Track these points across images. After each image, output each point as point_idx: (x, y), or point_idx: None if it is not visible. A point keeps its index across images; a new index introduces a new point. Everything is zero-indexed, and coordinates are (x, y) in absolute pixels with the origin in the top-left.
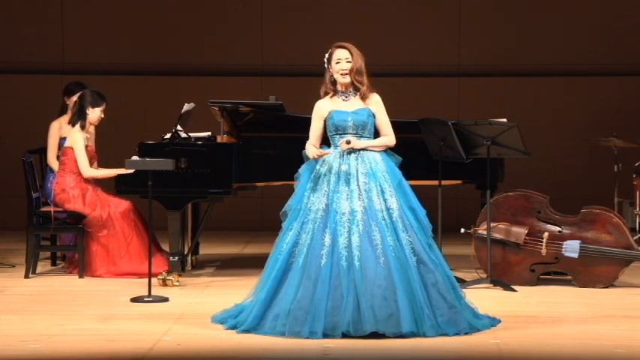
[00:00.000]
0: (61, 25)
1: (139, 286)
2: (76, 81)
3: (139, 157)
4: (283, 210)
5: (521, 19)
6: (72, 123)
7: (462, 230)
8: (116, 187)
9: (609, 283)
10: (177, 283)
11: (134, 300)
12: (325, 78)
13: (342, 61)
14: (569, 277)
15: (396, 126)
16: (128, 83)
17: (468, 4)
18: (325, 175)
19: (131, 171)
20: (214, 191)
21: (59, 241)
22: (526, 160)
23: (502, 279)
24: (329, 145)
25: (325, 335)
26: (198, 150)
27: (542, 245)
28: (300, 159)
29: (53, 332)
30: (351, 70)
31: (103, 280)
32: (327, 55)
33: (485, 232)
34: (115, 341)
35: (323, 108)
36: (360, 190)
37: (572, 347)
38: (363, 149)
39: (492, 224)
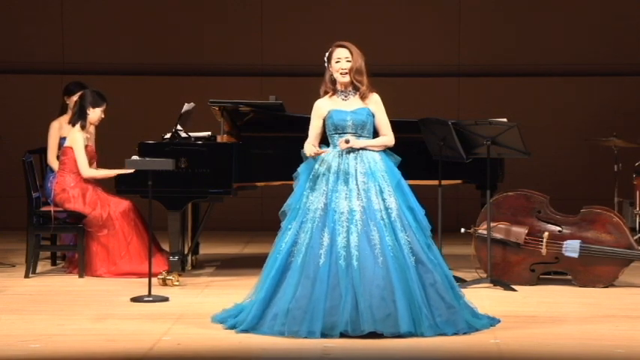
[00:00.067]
0: (61, 25)
1: (139, 286)
2: (76, 81)
3: (139, 157)
4: (282, 209)
5: (521, 19)
6: (72, 123)
7: (462, 230)
8: (116, 186)
9: (609, 283)
10: (177, 283)
11: (134, 300)
12: (325, 77)
13: (341, 60)
14: (569, 277)
15: (396, 126)
16: (128, 83)
17: (468, 4)
18: (324, 174)
19: (131, 171)
20: (214, 191)
21: (59, 241)
22: (526, 160)
23: (502, 279)
24: (328, 145)
25: (323, 335)
26: (198, 150)
27: (542, 245)
28: (300, 159)
29: (53, 332)
30: (350, 70)
31: (103, 280)
32: (327, 54)
33: (485, 232)
34: (115, 341)
35: (322, 107)
36: (358, 190)
37: (572, 347)
38: (362, 149)
39: (492, 224)
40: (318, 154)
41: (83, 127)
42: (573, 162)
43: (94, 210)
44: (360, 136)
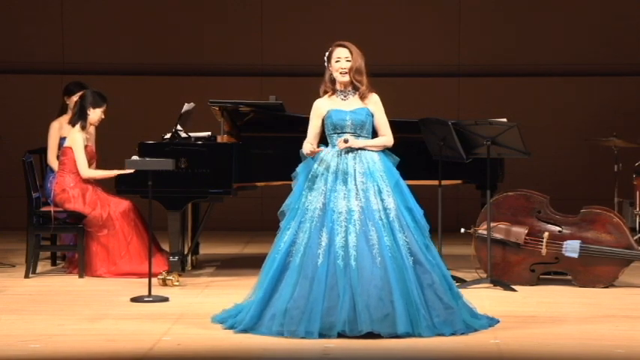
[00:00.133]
0: (61, 25)
1: (139, 286)
2: (76, 81)
3: (139, 157)
4: (281, 209)
5: (521, 19)
6: (72, 123)
7: (462, 230)
8: (116, 187)
9: (609, 283)
10: (177, 283)
11: (134, 300)
12: (325, 76)
13: (341, 59)
14: (569, 277)
15: (396, 126)
16: (128, 83)
17: (468, 4)
18: (323, 174)
19: (130, 171)
20: (214, 191)
21: (59, 241)
22: (526, 160)
23: (502, 279)
24: (327, 145)
25: (321, 335)
26: (198, 150)
27: (542, 245)
28: (299, 159)
29: (53, 332)
30: (350, 69)
31: (103, 280)
32: (327, 54)
33: (485, 232)
34: (115, 341)
35: (321, 107)
36: (357, 190)
37: (572, 347)
38: (361, 149)
39: (492, 224)
40: (314, 153)
41: (83, 128)
42: (573, 162)
43: (94, 210)
44: (359, 136)
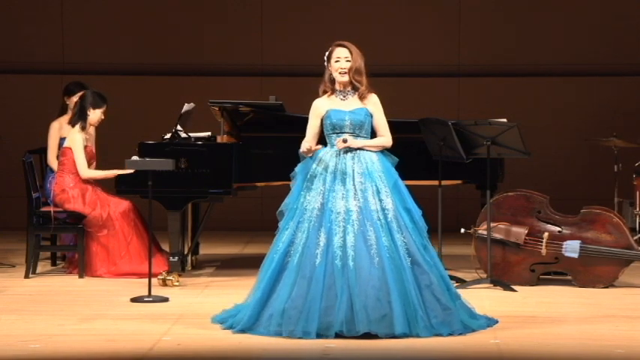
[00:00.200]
0: (61, 25)
1: (139, 286)
2: (76, 81)
3: (139, 157)
4: (280, 209)
5: (521, 19)
6: (72, 123)
7: (462, 230)
8: (116, 187)
9: (609, 283)
10: (177, 283)
11: (134, 300)
12: (324, 76)
13: (341, 59)
14: (569, 277)
15: (396, 126)
16: (128, 83)
17: (468, 4)
18: (321, 174)
19: (130, 171)
20: (214, 191)
21: (59, 241)
22: (526, 160)
23: (502, 279)
24: (325, 145)
25: (319, 335)
26: (198, 150)
27: (542, 245)
28: (299, 159)
29: (53, 332)
30: (350, 70)
31: (103, 280)
32: (326, 54)
33: (485, 232)
34: (115, 341)
35: (320, 107)
36: (355, 190)
37: (571, 347)
38: (360, 149)
39: (492, 224)
40: (311, 151)
41: (83, 128)
42: (573, 162)
43: (93, 210)
44: (358, 136)
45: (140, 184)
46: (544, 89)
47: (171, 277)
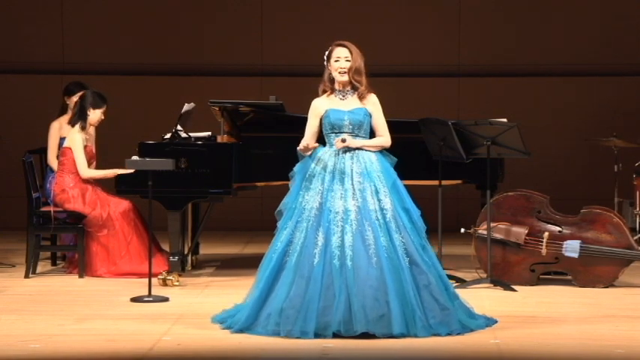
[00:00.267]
0: (61, 25)
1: (139, 286)
2: (76, 81)
3: (139, 157)
4: (278, 209)
5: (521, 19)
6: (72, 123)
7: (462, 230)
8: (116, 187)
9: (609, 283)
10: (177, 283)
11: (134, 300)
12: (324, 76)
13: (341, 59)
14: (569, 277)
15: (396, 126)
16: (128, 83)
17: (468, 4)
18: (320, 173)
19: (130, 171)
20: (214, 191)
21: (59, 241)
22: (526, 160)
23: (502, 279)
24: (324, 145)
25: (316, 335)
26: (198, 150)
27: (542, 245)
28: (298, 159)
29: (53, 332)
30: (349, 69)
31: (103, 280)
32: (326, 53)
33: (485, 232)
34: (115, 341)
35: (319, 106)
36: (354, 190)
37: (571, 347)
38: (359, 148)
39: (492, 224)
40: (308, 149)
41: (83, 128)
42: (573, 162)
43: (93, 210)
44: (357, 135)
45: (140, 184)
46: (544, 89)
47: (171, 277)
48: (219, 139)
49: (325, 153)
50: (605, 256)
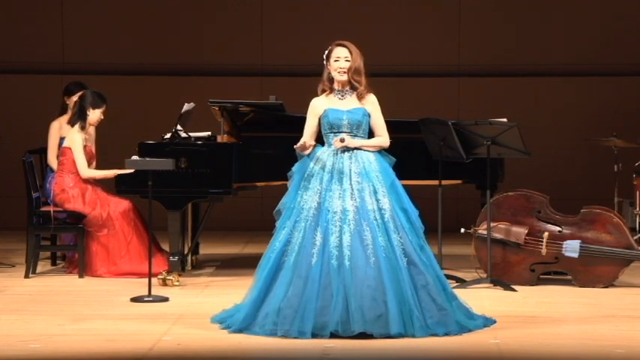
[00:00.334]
0: (61, 25)
1: (139, 286)
2: (76, 81)
3: (139, 157)
4: (277, 209)
5: (521, 19)
6: (71, 123)
7: (462, 230)
8: (116, 187)
9: (609, 283)
10: (177, 283)
11: (134, 300)
12: (323, 75)
13: (340, 59)
14: (569, 277)
15: (396, 126)
16: (128, 83)
17: (468, 4)
18: (318, 173)
19: (130, 171)
20: (214, 191)
21: (59, 241)
22: (526, 160)
23: (502, 279)
24: (323, 145)
25: (314, 335)
26: (198, 150)
27: (542, 245)
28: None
29: (53, 332)
30: (349, 70)
31: (103, 280)
32: (326, 52)
33: (485, 232)
34: (115, 341)
35: (318, 106)
36: (352, 190)
37: (571, 347)
38: (357, 148)
39: (492, 224)
40: (305, 147)
41: (82, 128)
42: (573, 162)
43: (93, 210)
44: (356, 135)
45: (140, 184)
46: (544, 89)
47: (171, 277)
48: (219, 139)
49: (324, 153)
50: (605, 256)
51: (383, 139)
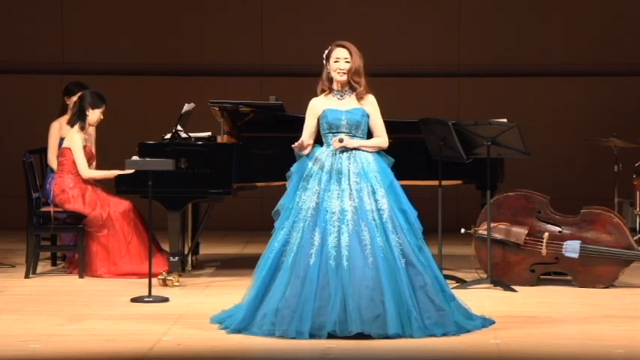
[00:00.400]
0: (61, 25)
1: (139, 286)
2: (76, 81)
3: (139, 157)
4: (276, 209)
5: (521, 19)
6: (71, 124)
7: (462, 230)
8: (116, 187)
9: (609, 283)
10: (177, 283)
11: (134, 300)
12: (322, 75)
13: (340, 60)
14: (569, 277)
15: (396, 126)
16: (128, 83)
17: (468, 4)
18: (317, 173)
19: (130, 171)
20: (214, 191)
21: (59, 241)
22: (526, 160)
23: (502, 279)
24: (321, 145)
25: (311, 335)
26: (198, 150)
27: (542, 245)
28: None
29: (53, 332)
30: (349, 71)
31: (103, 280)
32: (326, 52)
33: (485, 232)
34: (115, 341)
35: (317, 106)
36: (351, 190)
37: (571, 347)
38: (356, 149)
39: (492, 224)
40: (303, 146)
41: (82, 129)
42: (573, 162)
43: (93, 210)
44: (354, 136)
45: (140, 184)
46: (544, 89)
47: (171, 277)
48: (219, 139)
49: (322, 153)
50: (605, 257)
51: (382, 139)
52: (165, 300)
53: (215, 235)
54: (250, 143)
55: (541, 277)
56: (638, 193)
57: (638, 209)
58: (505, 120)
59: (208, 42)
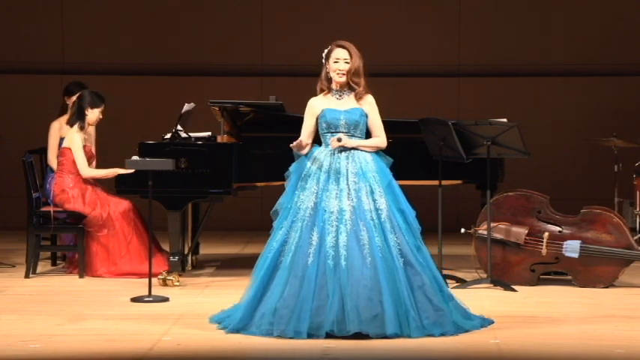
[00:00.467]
0: (61, 25)
1: (139, 286)
2: (76, 81)
3: (139, 157)
4: (274, 209)
5: (521, 19)
6: (70, 123)
7: (462, 230)
8: (116, 187)
9: (609, 283)
10: (177, 283)
11: (134, 300)
12: (321, 74)
13: (340, 61)
14: (569, 277)
15: (396, 126)
16: (128, 83)
17: (468, 4)
18: (315, 173)
19: (130, 171)
20: (214, 191)
21: (59, 241)
22: (526, 160)
23: (502, 279)
24: (320, 145)
25: (309, 335)
26: (198, 150)
27: (542, 245)
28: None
29: (53, 332)
30: (348, 72)
31: (103, 280)
32: (325, 51)
33: (485, 232)
34: (115, 341)
35: (316, 106)
36: (349, 190)
37: (571, 347)
38: (354, 148)
39: (492, 224)
40: (301, 146)
41: (82, 128)
42: (573, 162)
43: (93, 210)
44: (353, 135)
45: (140, 184)
46: (544, 89)
47: (171, 277)
48: (219, 139)
49: (321, 152)
50: (605, 256)
51: (380, 139)
52: (166, 300)
53: (215, 235)
54: (250, 143)
55: (541, 277)
56: (638, 193)
57: (638, 209)
58: (505, 120)
59: (208, 42)
